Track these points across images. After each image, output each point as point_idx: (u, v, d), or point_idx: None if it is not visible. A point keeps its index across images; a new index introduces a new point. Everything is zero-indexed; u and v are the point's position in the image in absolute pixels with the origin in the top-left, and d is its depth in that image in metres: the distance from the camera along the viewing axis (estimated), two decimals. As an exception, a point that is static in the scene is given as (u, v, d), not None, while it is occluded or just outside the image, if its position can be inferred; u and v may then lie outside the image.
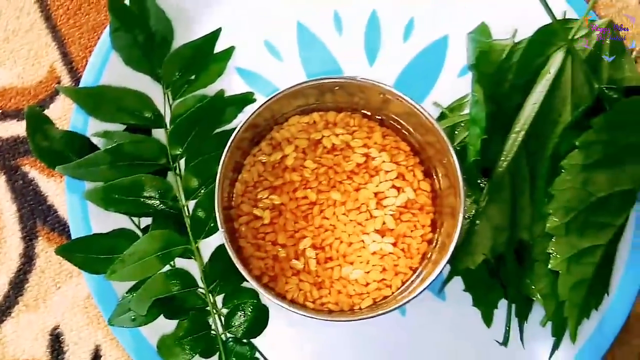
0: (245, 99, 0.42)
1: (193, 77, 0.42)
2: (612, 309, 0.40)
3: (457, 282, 0.40)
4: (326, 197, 0.40)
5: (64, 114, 0.43)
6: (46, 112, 0.43)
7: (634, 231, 0.41)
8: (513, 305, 0.40)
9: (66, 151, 0.39)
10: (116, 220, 0.39)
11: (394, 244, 0.39)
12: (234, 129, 0.36)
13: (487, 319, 0.40)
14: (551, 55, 0.39)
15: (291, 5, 0.44)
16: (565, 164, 0.37)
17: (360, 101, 0.40)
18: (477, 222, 0.38)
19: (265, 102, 0.36)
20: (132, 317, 0.37)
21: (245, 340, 0.39)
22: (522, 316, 0.40)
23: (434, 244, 0.39)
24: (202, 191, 0.40)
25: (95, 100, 0.40)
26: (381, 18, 0.44)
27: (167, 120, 0.41)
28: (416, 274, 0.39)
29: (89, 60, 0.41)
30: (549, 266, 0.38)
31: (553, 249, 0.38)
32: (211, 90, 0.42)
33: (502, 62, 0.39)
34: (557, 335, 0.39)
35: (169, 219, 0.40)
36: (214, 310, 0.39)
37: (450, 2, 0.44)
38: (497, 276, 0.40)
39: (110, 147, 0.39)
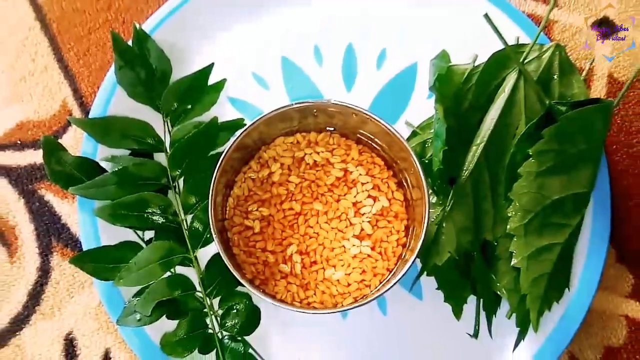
0: (237, 124, 0.46)
1: (189, 106, 0.46)
2: (574, 303, 0.44)
3: (433, 284, 0.44)
4: (309, 208, 0.44)
5: (76, 143, 0.48)
6: (59, 141, 0.47)
7: (591, 230, 0.45)
8: (482, 300, 0.44)
9: (78, 174, 0.43)
10: (122, 234, 0.43)
11: (372, 248, 0.43)
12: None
13: (457, 313, 0.43)
14: (506, 76, 0.43)
15: (276, 42, 0.49)
16: (521, 171, 0.41)
17: (339, 122, 0.44)
18: (444, 224, 0.42)
19: (252, 124, 0.41)
20: (138, 318, 0.41)
21: (239, 338, 0.42)
22: (490, 310, 0.43)
23: (407, 247, 0.43)
24: (199, 206, 0.44)
25: (103, 129, 0.45)
26: (356, 50, 0.49)
27: (167, 144, 0.46)
28: (392, 274, 0.43)
29: (97, 94, 0.46)
30: (511, 263, 0.41)
31: (514, 247, 0.41)
32: (206, 117, 0.46)
33: (463, 84, 0.44)
34: (521, 326, 0.42)
35: (170, 232, 0.43)
36: (211, 312, 0.43)
37: (418, 34, 0.49)
38: (466, 275, 0.43)
39: (116, 169, 0.43)
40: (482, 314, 0.43)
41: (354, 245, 0.43)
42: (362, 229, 0.44)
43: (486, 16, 0.44)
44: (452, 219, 0.42)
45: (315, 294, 0.43)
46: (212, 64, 0.48)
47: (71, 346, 0.45)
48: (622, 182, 0.49)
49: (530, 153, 0.41)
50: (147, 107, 0.46)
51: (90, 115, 0.46)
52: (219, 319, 0.43)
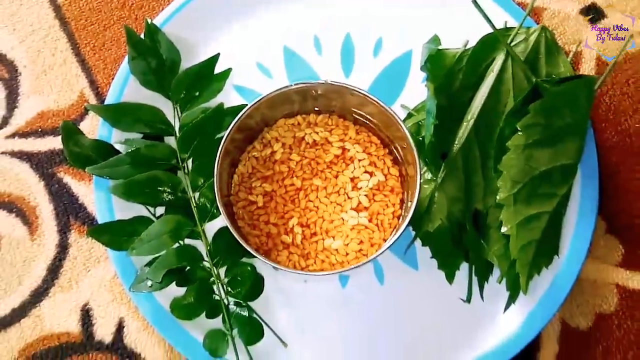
0: (241, 109, 0.48)
1: (197, 93, 0.50)
2: (564, 270, 0.46)
3: (428, 254, 0.46)
4: (309, 184, 0.47)
5: (92, 129, 0.51)
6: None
7: (580, 201, 0.47)
8: (474, 267, 0.46)
9: (94, 155, 0.46)
10: (135, 211, 0.46)
11: (369, 220, 0.46)
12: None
13: (450, 278, 0.45)
14: (495, 58, 0.46)
15: (278, 33, 0.52)
16: (510, 145, 0.42)
17: (337, 104, 0.47)
18: (436, 194, 0.45)
19: (252, 105, 0.44)
20: (149, 285, 0.44)
21: (244, 304, 0.45)
22: (482, 276, 0.46)
23: (402, 219, 0.46)
24: (206, 185, 0.47)
25: (117, 115, 0.48)
26: (354, 39, 0.52)
27: (177, 129, 0.49)
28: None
29: (111, 84, 0.49)
30: (501, 231, 0.43)
31: (504, 216, 0.43)
32: (213, 103, 0.49)
33: (454, 66, 0.46)
34: (512, 290, 0.44)
35: (179, 207, 0.46)
36: (218, 280, 0.45)
37: (413, 22, 0.52)
38: (459, 244, 0.45)
39: (130, 151, 0.46)
40: (475, 281, 0.46)
41: (352, 217, 0.46)
42: (359, 202, 0.46)
43: (474, 2, 0.47)
44: (443, 189, 0.44)
45: (315, 263, 0.45)
46: (218, 54, 0.51)
47: (87, 316, 0.47)
48: (611, 158, 0.51)
49: (518, 127, 0.43)
50: (157, 94, 0.49)
51: (106, 103, 0.49)
52: (225, 286, 0.45)
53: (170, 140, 0.49)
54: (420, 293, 0.47)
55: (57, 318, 0.47)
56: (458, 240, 0.46)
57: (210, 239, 0.46)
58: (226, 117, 0.48)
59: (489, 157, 0.45)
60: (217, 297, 0.45)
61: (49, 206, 0.50)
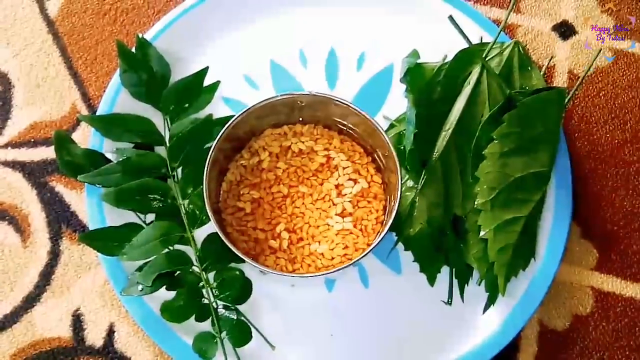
0: (229, 120, 0.50)
1: (186, 105, 0.51)
2: (540, 272, 0.47)
3: (410, 259, 0.48)
4: (296, 191, 0.48)
5: (84, 140, 0.52)
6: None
7: (555, 207, 0.49)
8: (454, 270, 0.48)
9: (86, 164, 0.48)
10: (125, 218, 0.47)
11: (354, 225, 0.47)
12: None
13: (431, 281, 0.47)
14: (471, 71, 0.48)
15: (264, 47, 0.54)
16: (486, 153, 0.45)
17: (322, 115, 0.49)
18: (416, 200, 0.46)
19: (240, 115, 0.46)
20: (140, 289, 0.45)
21: (232, 307, 0.46)
22: (462, 279, 0.47)
23: (384, 224, 0.47)
24: (195, 193, 0.48)
25: (109, 125, 0.49)
26: (338, 53, 0.54)
27: (167, 139, 0.50)
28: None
29: (103, 96, 0.51)
30: (480, 235, 0.45)
31: (482, 221, 0.45)
32: (202, 114, 0.51)
33: (432, 78, 0.48)
34: (490, 291, 0.46)
35: (169, 215, 0.47)
36: (207, 284, 0.46)
37: (394, 38, 0.55)
38: (439, 249, 0.47)
39: (121, 159, 0.48)
40: (455, 283, 0.47)
41: (337, 223, 0.47)
42: (344, 209, 0.48)
43: (450, 18, 0.49)
44: (423, 195, 0.46)
45: (302, 267, 0.47)
46: (207, 67, 0.52)
47: (78, 321, 0.48)
48: (585, 166, 0.53)
49: (494, 136, 0.45)
50: (148, 106, 0.51)
51: (100, 105, 0.51)
52: (214, 290, 0.46)
53: (161, 150, 0.50)
54: (403, 296, 0.48)
55: (49, 323, 0.48)
56: (438, 244, 0.47)
57: (199, 244, 0.47)
58: (215, 127, 0.50)
59: (467, 164, 0.47)
60: (206, 301, 0.46)
61: (41, 214, 0.51)
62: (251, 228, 0.48)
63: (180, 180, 0.49)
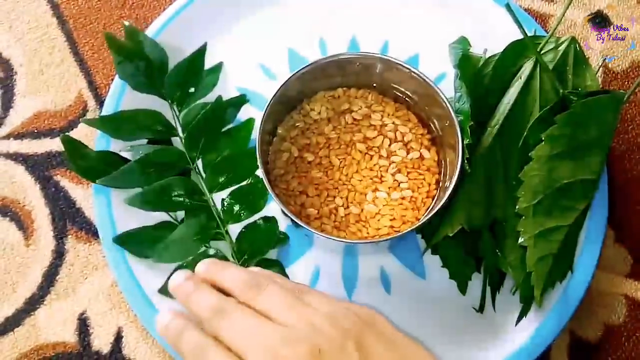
0: (240, 100, 0.49)
1: (192, 90, 0.49)
2: (574, 281, 0.45)
3: (436, 263, 0.46)
4: (346, 157, 0.47)
5: (91, 132, 0.49)
6: (75, 130, 0.50)
7: (590, 210, 0.46)
8: (488, 276, 0.45)
9: (101, 166, 0.45)
10: (136, 214, 0.45)
11: (403, 197, 0.46)
12: (236, 126, 0.46)
13: (462, 289, 0.45)
14: (522, 65, 0.45)
15: (281, 34, 0.51)
16: (533, 154, 0.42)
17: (377, 80, 0.47)
18: (457, 196, 0.44)
19: (294, 74, 0.44)
20: None
21: None
22: (495, 286, 0.45)
23: (436, 199, 0.45)
24: (224, 184, 0.46)
25: (115, 125, 0.47)
26: (360, 42, 0.52)
27: (179, 129, 0.48)
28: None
29: (110, 87, 0.48)
30: (519, 242, 0.42)
31: (522, 227, 0.42)
32: (210, 98, 0.49)
33: (479, 70, 0.46)
34: (525, 302, 0.44)
35: (198, 210, 0.46)
36: None
37: (419, 27, 0.52)
38: (472, 253, 0.45)
39: (138, 158, 0.45)
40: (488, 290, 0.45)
41: (386, 193, 0.46)
42: (394, 179, 0.46)
43: (507, 6, 0.46)
44: (464, 191, 0.44)
45: (347, 235, 0.45)
46: (205, 43, 0.51)
47: (84, 325, 0.46)
48: (620, 166, 0.50)
49: (543, 137, 0.42)
50: (155, 98, 0.49)
51: (105, 106, 0.48)
52: None
53: (176, 142, 0.48)
54: (428, 303, 0.46)
55: (53, 327, 0.46)
56: (473, 248, 0.45)
57: (234, 239, 0.46)
58: (227, 109, 0.48)
59: (511, 165, 0.44)
60: None
61: (45, 210, 0.48)
62: (298, 192, 0.46)
63: (207, 173, 0.47)
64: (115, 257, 0.45)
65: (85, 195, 0.48)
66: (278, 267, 0.46)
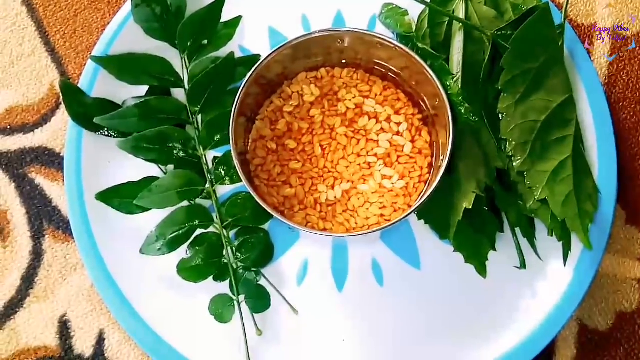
0: (254, 59, 0.46)
1: (205, 42, 0.46)
2: (580, 266, 0.42)
3: (430, 252, 0.43)
4: (331, 143, 0.44)
5: (64, 125, 0.47)
6: (47, 124, 0.48)
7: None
8: (517, 230, 0.43)
9: (97, 112, 0.43)
10: (108, 214, 0.43)
11: (394, 183, 0.43)
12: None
13: (482, 271, 0.41)
14: (455, 6, 0.44)
15: (261, 12, 0.48)
16: (500, 109, 0.41)
17: (363, 57, 0.44)
18: (459, 164, 0.41)
19: (271, 53, 0.41)
20: (158, 247, 0.42)
21: (253, 270, 0.43)
22: (530, 234, 0.42)
23: (429, 185, 0.43)
24: (218, 141, 0.44)
25: (123, 66, 0.45)
26: (345, 17, 0.48)
27: (185, 81, 0.45)
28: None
29: (81, 76, 0.45)
30: (536, 198, 0.40)
31: (530, 182, 0.40)
32: (222, 53, 0.46)
33: (417, 31, 0.44)
34: (563, 239, 0.41)
35: (189, 165, 0.44)
36: (227, 243, 0.43)
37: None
38: (482, 227, 0.42)
39: (138, 102, 0.44)
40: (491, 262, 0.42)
41: (374, 179, 0.43)
42: (383, 164, 0.43)
43: None
44: (460, 158, 0.41)
45: (333, 226, 0.43)
46: None
47: (65, 328, 0.44)
48: (631, 140, 0.46)
49: (500, 88, 0.40)
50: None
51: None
52: (234, 250, 0.43)
53: (180, 96, 0.46)
54: (423, 294, 0.43)
55: (34, 331, 0.44)
56: (481, 224, 0.42)
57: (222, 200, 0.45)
58: (238, 67, 0.46)
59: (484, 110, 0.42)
60: (225, 261, 0.43)
61: (21, 210, 0.46)
62: (281, 182, 0.43)
63: (202, 128, 0.45)
64: (91, 263, 0.43)
65: (61, 193, 0.46)
66: (263, 233, 0.44)
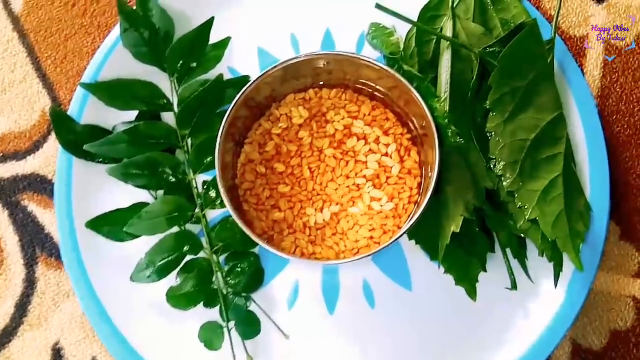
0: (243, 80, 0.46)
1: (194, 64, 0.46)
2: (573, 284, 0.41)
3: (422, 273, 0.43)
4: (320, 165, 0.43)
5: (56, 151, 0.47)
6: (39, 150, 0.48)
7: (590, 201, 0.42)
8: (508, 251, 0.42)
9: (87, 139, 0.43)
10: (98, 241, 0.43)
11: (382, 205, 0.42)
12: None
13: (472, 293, 0.41)
14: (442, 26, 0.43)
15: (250, 32, 0.48)
16: (489, 128, 0.40)
17: (351, 78, 0.44)
18: (447, 188, 0.41)
19: (259, 77, 0.41)
20: (148, 275, 0.42)
21: (243, 295, 0.43)
22: (520, 255, 0.42)
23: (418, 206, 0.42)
24: (207, 164, 0.44)
25: (112, 92, 0.45)
26: (334, 36, 0.48)
27: (175, 105, 0.45)
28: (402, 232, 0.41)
29: (71, 102, 0.45)
30: (527, 218, 0.40)
31: (520, 202, 0.40)
32: (211, 75, 0.46)
33: (405, 50, 0.44)
34: (555, 259, 0.41)
35: (179, 190, 0.44)
36: (217, 268, 0.43)
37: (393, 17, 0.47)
38: (472, 249, 0.42)
39: (127, 128, 0.44)
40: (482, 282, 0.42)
41: (363, 202, 0.43)
42: (372, 185, 0.43)
43: None
44: (448, 181, 0.41)
45: (322, 250, 0.42)
46: (212, 17, 0.47)
47: (58, 356, 0.44)
48: (624, 153, 0.46)
49: (488, 106, 0.40)
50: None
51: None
52: (224, 275, 0.44)
53: (170, 119, 0.46)
54: (415, 315, 0.43)
55: (27, 359, 0.44)
56: (470, 244, 0.42)
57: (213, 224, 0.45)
58: (227, 89, 0.46)
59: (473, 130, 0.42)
60: (215, 287, 0.43)
61: (14, 237, 0.47)
62: (269, 206, 0.43)
63: (191, 151, 0.45)
64: (82, 291, 0.43)
65: (53, 219, 0.47)
66: (253, 257, 0.44)
